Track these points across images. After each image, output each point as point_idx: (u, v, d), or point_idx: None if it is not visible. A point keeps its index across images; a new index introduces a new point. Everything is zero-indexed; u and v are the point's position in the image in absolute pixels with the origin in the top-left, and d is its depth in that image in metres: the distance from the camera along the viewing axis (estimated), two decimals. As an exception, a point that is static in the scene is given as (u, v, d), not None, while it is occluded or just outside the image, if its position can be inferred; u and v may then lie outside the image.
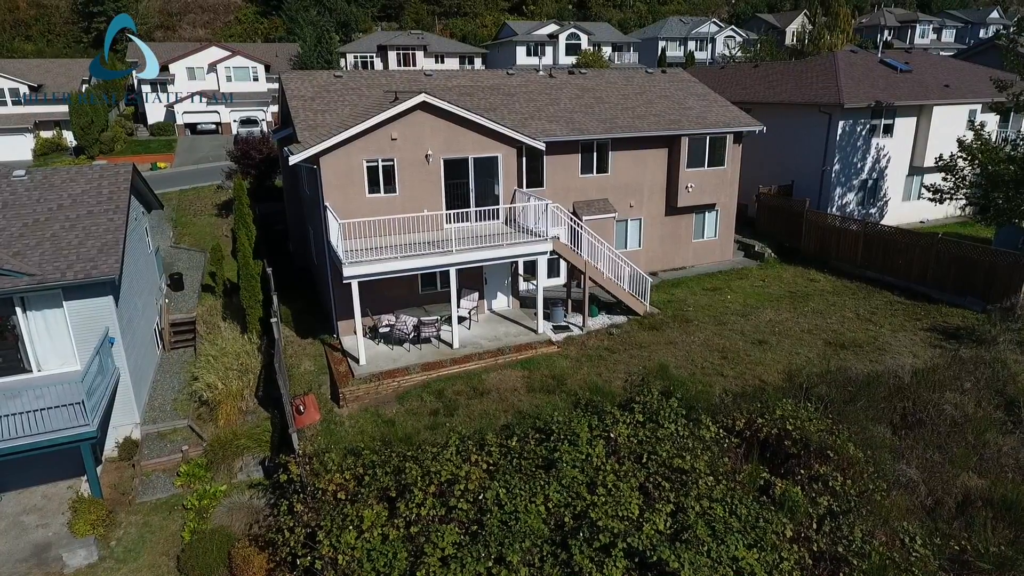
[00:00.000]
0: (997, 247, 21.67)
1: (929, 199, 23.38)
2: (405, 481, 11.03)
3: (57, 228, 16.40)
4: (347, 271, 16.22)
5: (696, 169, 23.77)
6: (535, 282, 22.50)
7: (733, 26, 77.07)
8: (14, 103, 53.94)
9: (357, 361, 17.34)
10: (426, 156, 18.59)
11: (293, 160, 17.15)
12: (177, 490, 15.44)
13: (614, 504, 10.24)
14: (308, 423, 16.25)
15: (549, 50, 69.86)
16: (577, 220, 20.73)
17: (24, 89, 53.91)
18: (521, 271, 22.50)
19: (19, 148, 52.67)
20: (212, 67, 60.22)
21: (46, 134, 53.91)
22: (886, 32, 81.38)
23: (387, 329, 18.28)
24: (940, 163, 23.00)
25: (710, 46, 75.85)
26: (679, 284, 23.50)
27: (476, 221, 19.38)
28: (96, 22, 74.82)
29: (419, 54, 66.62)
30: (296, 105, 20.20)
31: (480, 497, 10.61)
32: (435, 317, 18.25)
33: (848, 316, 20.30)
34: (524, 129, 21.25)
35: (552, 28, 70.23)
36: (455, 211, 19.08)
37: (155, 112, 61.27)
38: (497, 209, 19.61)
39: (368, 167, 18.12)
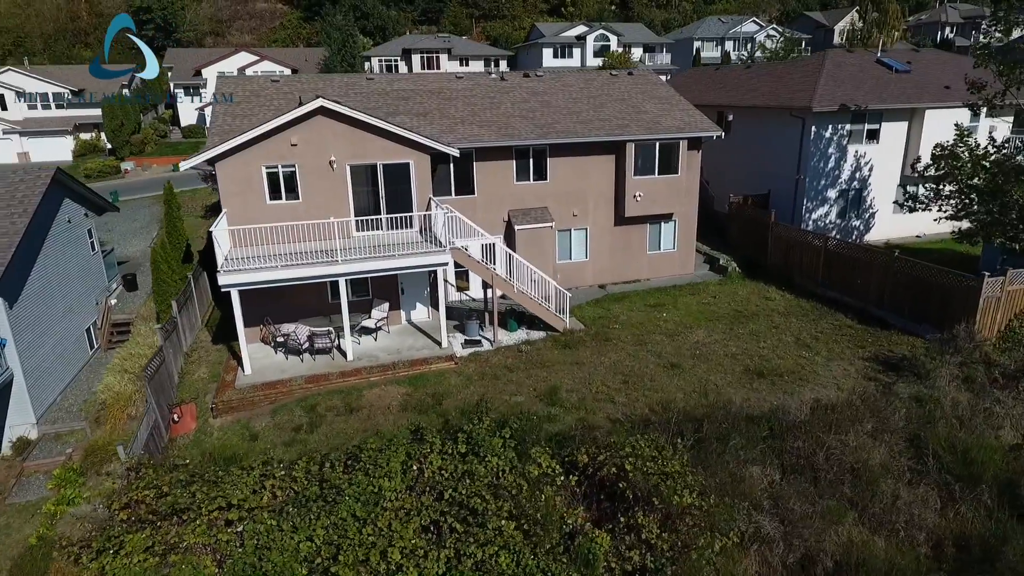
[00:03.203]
0: (982, 268, 19.37)
1: (900, 203, 21.14)
2: (180, 505, 10.56)
3: (-40, 230, 16.85)
4: (222, 279, 15.96)
5: (645, 177, 22.36)
6: (468, 293, 21.81)
7: (774, 25, 73.38)
8: (57, 107, 57.33)
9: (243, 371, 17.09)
10: (330, 162, 18.15)
11: (183, 166, 17.04)
12: (48, 493, 15.54)
13: (365, 549, 9.39)
14: (183, 432, 16.09)
15: (577, 52, 68.65)
16: (482, 232, 19.84)
17: (66, 93, 57.20)
18: (452, 280, 21.80)
19: (60, 149, 55.89)
20: (241, 71, 62.18)
21: (85, 136, 57.02)
22: (947, 29, 75.72)
23: (283, 339, 17.95)
24: (915, 170, 20.77)
25: (749, 46, 72.56)
26: (623, 299, 22.17)
27: (389, 229, 18.84)
28: (145, 29, 78.73)
29: (443, 57, 66.72)
30: (219, 111, 20.20)
31: (240, 530, 10.01)
32: (327, 328, 17.79)
33: (786, 340, 18.52)
34: (451, 134, 20.57)
35: (581, 30, 68.93)
36: (364, 218, 18.63)
37: (187, 115, 64.02)
38: (411, 217, 18.97)
39: (268, 173, 17.85)
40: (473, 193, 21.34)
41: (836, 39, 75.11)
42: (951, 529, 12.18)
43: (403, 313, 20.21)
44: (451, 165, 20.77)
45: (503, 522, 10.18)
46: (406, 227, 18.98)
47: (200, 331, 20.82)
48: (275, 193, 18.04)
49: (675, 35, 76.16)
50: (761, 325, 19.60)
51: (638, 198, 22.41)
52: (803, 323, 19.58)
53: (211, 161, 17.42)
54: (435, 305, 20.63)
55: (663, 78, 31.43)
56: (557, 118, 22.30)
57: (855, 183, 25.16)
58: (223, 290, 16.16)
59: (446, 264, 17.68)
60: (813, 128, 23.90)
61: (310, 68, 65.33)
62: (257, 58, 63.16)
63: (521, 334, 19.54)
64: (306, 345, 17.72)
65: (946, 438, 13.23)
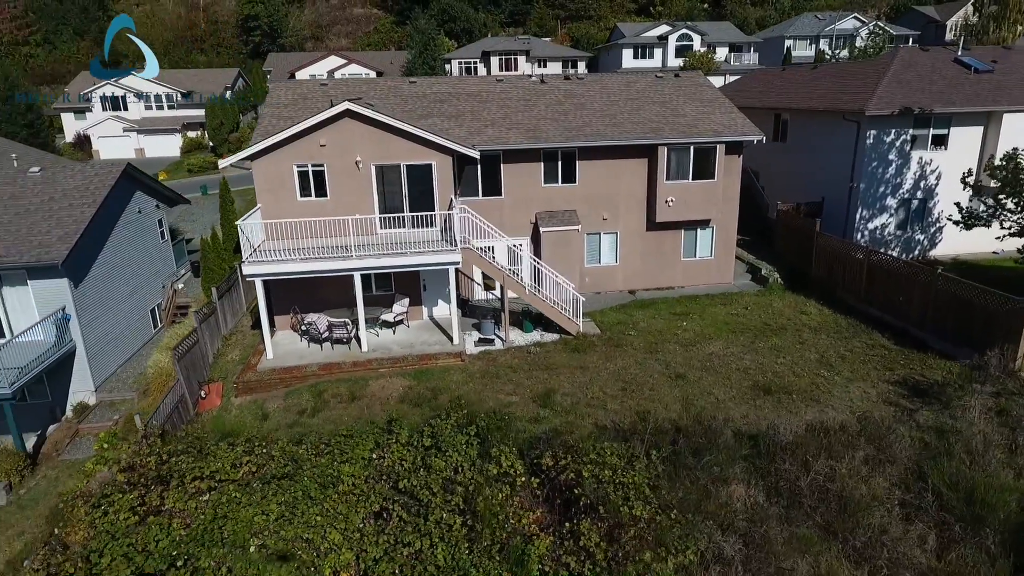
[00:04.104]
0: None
1: (956, 221, 19.40)
2: (165, 473, 11.64)
3: (39, 218, 19.23)
4: (247, 269, 17.23)
5: (679, 182, 21.80)
6: (495, 292, 22.18)
7: (876, 22, 68.41)
8: (168, 107, 63.01)
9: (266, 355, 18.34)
10: (356, 162, 19.07)
11: (223, 163, 18.51)
12: (93, 453, 17.43)
13: (309, 528, 9.97)
14: (208, 407, 17.53)
15: (658, 52, 67.23)
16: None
17: (177, 95, 62.78)
18: (479, 279, 22.26)
19: (170, 146, 61.46)
20: (331, 74, 65.65)
21: (191, 134, 62.36)
22: (1084, 21, 67.57)
23: (306, 328, 19.07)
24: (964, 183, 19.02)
25: (849, 44, 68.12)
26: (649, 306, 21.74)
27: (411, 228, 19.54)
28: (253, 35, 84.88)
29: (521, 59, 67.38)
30: (266, 112, 21.69)
31: (206, 499, 10.91)
32: (344, 320, 18.71)
33: (808, 358, 17.53)
34: (479, 136, 21.01)
35: (663, 30, 67.42)
36: (387, 216, 19.42)
37: (281, 115, 68.25)
38: (432, 216, 19.56)
39: (299, 172, 19.02)
40: (500, 195, 21.66)
41: (948, 35, 69.16)
42: (946, 572, 11.25)
43: (424, 309, 20.87)
44: (478, 166, 21.19)
45: (444, 515, 10.48)
46: (428, 226, 19.58)
47: (243, 317, 22.46)
48: (305, 190, 19.18)
49: (766, 34, 72.76)
50: (786, 340, 18.65)
51: (670, 203, 21.88)
52: (833, 340, 18.44)
53: (250, 159, 18.80)
54: (456, 302, 21.19)
55: (732, 79, 30.36)
56: (589, 120, 22.19)
57: (918, 193, 23.25)
58: (247, 279, 17.41)
59: (457, 263, 18.12)
60: (870, 132, 22.32)
61: (395, 71, 67.94)
62: (345, 61, 66.45)
63: (535, 335, 19.67)
64: (325, 334, 18.74)
65: (950, 474, 12.14)
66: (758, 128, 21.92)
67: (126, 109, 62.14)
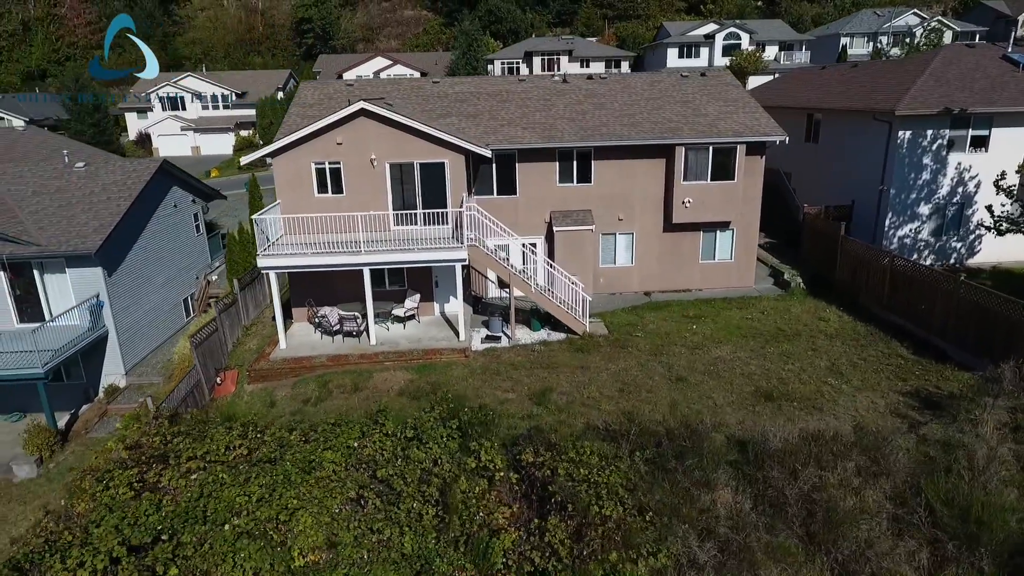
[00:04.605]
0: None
1: (987, 227, 18.40)
2: (163, 451, 12.30)
3: (79, 210, 20.48)
4: (260, 262, 17.95)
5: (696, 182, 21.45)
6: (508, 290, 22.35)
7: (940, 17, 65.23)
8: (224, 107, 65.76)
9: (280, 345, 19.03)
10: (371, 160, 19.56)
11: (244, 160, 19.30)
12: (116, 432, 18.50)
13: (283, 510, 10.38)
14: (223, 393, 18.35)
15: (704, 51, 65.99)
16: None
17: (231, 95, 65.47)
18: (493, 277, 22.46)
19: (224, 144, 64.13)
20: (376, 74, 67.15)
21: (244, 133, 64.91)
22: None
23: (319, 320, 19.68)
24: (998, 184, 18.01)
25: (908, 40, 65.21)
26: (663, 308, 21.48)
27: (424, 225, 19.91)
28: (305, 37, 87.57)
29: (563, 59, 67.30)
30: (293, 111, 22.48)
31: (193, 478, 11.47)
32: (354, 313, 19.21)
33: (817, 365, 16.99)
34: (495, 135, 21.22)
35: (710, 28, 66.11)
36: (400, 213, 19.83)
37: (329, 115, 70.22)
38: (445, 214, 19.86)
39: (316, 169, 19.65)
40: (515, 194, 21.80)
41: (1021, 30, 65.33)
42: (935, 591, 10.79)
43: (436, 305, 21.21)
44: (493, 165, 21.40)
45: (416, 504, 10.71)
46: (440, 223, 19.91)
47: (266, 308, 23.33)
48: (322, 187, 19.80)
49: (820, 31, 70.36)
50: (798, 346, 18.12)
51: (688, 204, 21.55)
52: (848, 348, 17.81)
53: (270, 156, 19.54)
54: (465, 299, 21.47)
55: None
56: (606, 120, 22.08)
57: (955, 198, 22.11)
58: (262, 271, 18.13)
59: (464, 260, 18.37)
60: (902, 133, 21.38)
61: (439, 71, 68.91)
62: (391, 62, 67.84)
63: (542, 334, 19.73)
64: (336, 327, 19.31)
65: (947, 490, 11.60)
66: (782, 128, 21.32)
67: (184, 109, 65.24)
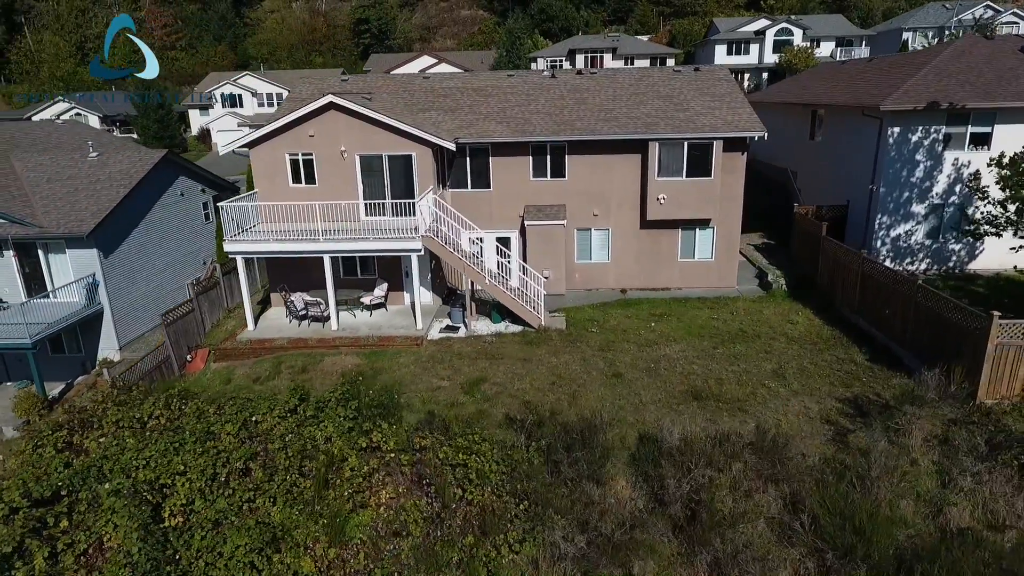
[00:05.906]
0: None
1: (963, 231, 17.15)
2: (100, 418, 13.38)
3: (83, 195, 22.21)
4: (227, 247, 18.95)
5: (671, 179, 21.01)
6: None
7: (1015, 9, 60.39)
8: (278, 104, 68.87)
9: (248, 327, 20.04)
10: (341, 152, 20.27)
11: (223, 150, 20.40)
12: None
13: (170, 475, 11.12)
14: (193, 371, 19.53)
15: (754, 48, 63.77)
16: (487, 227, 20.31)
17: (285, 93, 68.51)
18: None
19: (276, 140, 67.18)
20: (422, 72, 68.54)
21: (295, 129, 67.82)
22: None
23: (288, 306, 20.58)
24: (968, 186, 16.76)
25: (977, 34, 60.70)
26: (632, 305, 21.16)
27: (393, 215, 20.45)
28: (363, 38, 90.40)
29: (607, 56, 66.58)
30: (285, 105, 23.53)
31: (102, 441, 12.40)
32: (318, 300, 19.96)
33: (763, 368, 16.36)
34: (469, 129, 21.53)
35: (761, 24, 63.82)
36: (370, 203, 20.46)
37: (375, 113, 72.38)
38: (412, 204, 20.30)
39: (291, 160, 20.53)
40: (489, 187, 22.02)
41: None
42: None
43: (406, 295, 21.72)
44: (467, 159, 21.72)
45: (291, 477, 11.21)
46: (408, 214, 20.37)
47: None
48: (296, 178, 20.67)
49: (883, 26, 66.60)
50: (753, 348, 17.50)
51: (662, 200, 21.14)
52: (803, 352, 17.06)
53: (248, 147, 20.58)
54: (436, 290, 21.90)
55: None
56: (583, 115, 21.94)
57: (952, 198, 20.63)
58: (229, 256, 19.15)
59: (418, 250, 18.78)
60: (892, 130, 20.16)
61: (483, 69, 69.67)
62: (436, 61, 69.21)
63: (500, 327, 19.87)
64: (303, 311, 20.13)
65: (833, 498, 11.04)
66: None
67: (241, 106, 68.86)
